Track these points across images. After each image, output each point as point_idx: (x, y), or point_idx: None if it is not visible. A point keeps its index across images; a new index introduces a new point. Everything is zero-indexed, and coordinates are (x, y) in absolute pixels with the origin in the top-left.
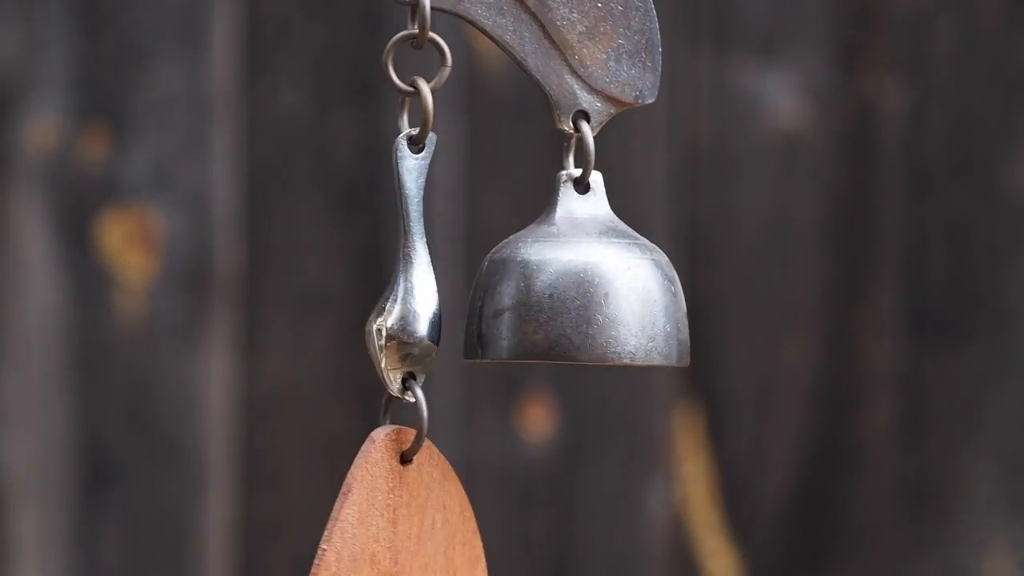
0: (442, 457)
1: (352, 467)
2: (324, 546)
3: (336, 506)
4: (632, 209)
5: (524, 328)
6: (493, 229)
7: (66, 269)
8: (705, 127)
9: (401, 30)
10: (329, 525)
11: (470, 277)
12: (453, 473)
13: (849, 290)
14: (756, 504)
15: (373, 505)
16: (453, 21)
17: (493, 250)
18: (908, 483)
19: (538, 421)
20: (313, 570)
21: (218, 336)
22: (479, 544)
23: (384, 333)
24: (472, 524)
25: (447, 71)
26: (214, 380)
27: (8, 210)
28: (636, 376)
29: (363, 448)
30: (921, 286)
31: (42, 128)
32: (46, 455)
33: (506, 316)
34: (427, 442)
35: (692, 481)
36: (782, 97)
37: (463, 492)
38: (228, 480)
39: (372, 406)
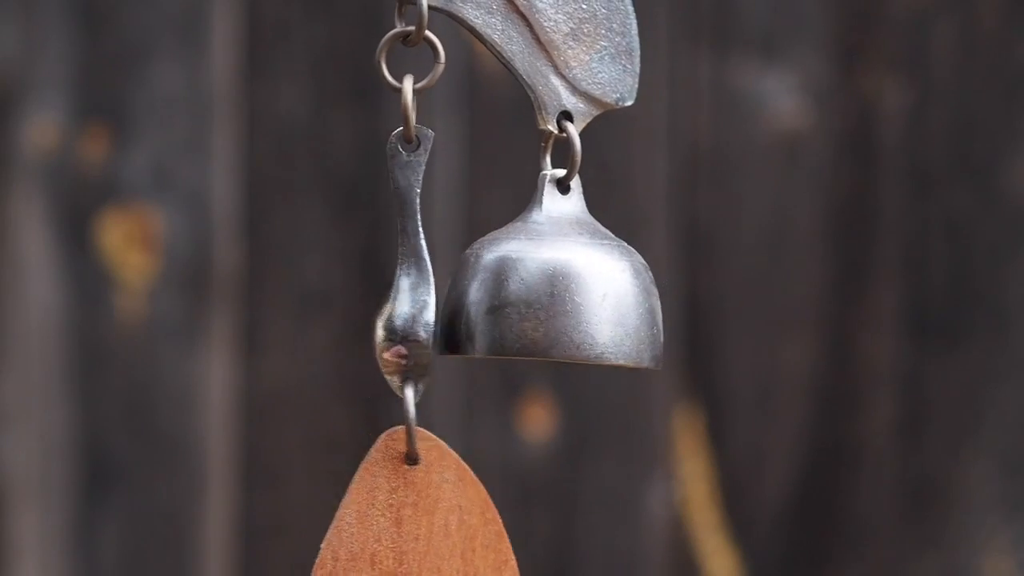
0: (457, 459)
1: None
2: (322, 545)
3: (339, 507)
4: (632, 209)
5: (497, 326)
6: (493, 229)
7: (66, 269)
8: (705, 127)
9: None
10: (331, 526)
11: None
12: (471, 475)
13: (849, 290)
14: (756, 504)
15: (373, 505)
16: (452, 21)
17: (475, 245)
18: (908, 483)
19: (538, 421)
20: (313, 570)
21: (218, 336)
22: (506, 548)
23: (383, 333)
24: (496, 527)
25: (440, 68)
26: (214, 380)
27: (8, 210)
28: (636, 376)
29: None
30: (921, 286)
31: (42, 128)
32: (46, 455)
33: (497, 314)
34: (438, 443)
35: (692, 481)
36: (782, 97)
37: (485, 494)
38: (228, 480)
39: (372, 406)
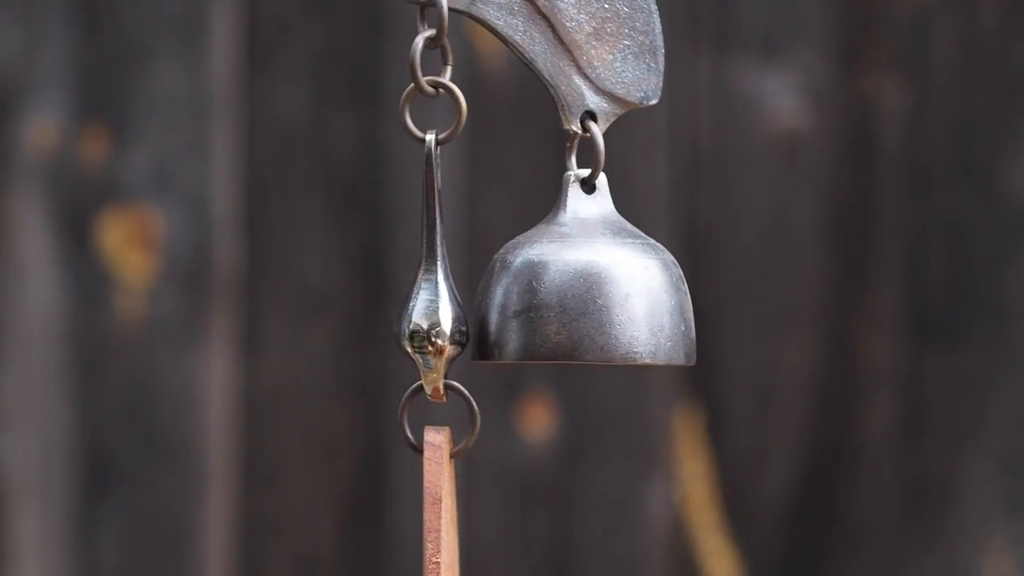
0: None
1: (430, 476)
2: (435, 559)
3: (429, 516)
4: (632, 209)
5: (545, 330)
6: (493, 229)
7: (66, 269)
8: (705, 127)
9: (401, 30)
10: (432, 537)
11: (470, 276)
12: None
13: (849, 290)
14: (756, 504)
15: (448, 508)
16: (454, 19)
17: (502, 250)
18: (908, 483)
19: (538, 421)
20: None
21: (218, 336)
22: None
23: (429, 334)
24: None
25: (449, 70)
26: (214, 380)
27: (8, 210)
28: (636, 376)
29: (430, 455)
30: (921, 286)
31: (42, 128)
32: (46, 455)
33: (524, 318)
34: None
35: (692, 481)
36: (782, 97)
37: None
38: (228, 480)
39: (372, 406)
